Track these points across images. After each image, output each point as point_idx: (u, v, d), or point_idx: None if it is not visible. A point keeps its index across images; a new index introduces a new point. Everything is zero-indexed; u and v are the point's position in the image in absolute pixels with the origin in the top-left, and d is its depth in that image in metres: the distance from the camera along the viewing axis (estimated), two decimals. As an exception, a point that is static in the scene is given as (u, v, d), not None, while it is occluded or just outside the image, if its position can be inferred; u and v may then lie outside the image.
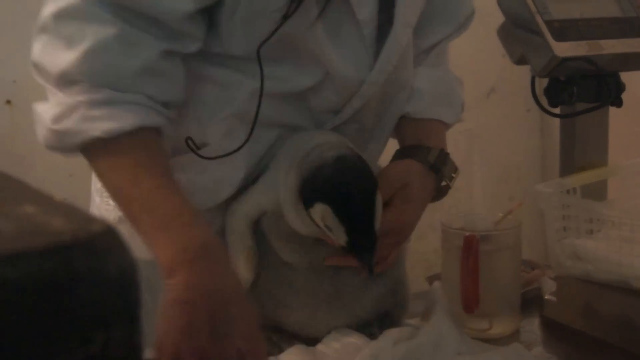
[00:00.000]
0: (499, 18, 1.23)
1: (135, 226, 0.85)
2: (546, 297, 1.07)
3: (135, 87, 0.86)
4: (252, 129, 0.90)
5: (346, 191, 0.84)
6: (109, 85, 0.85)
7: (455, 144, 2.05)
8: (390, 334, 0.92)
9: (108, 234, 0.39)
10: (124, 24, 0.85)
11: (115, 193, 0.88)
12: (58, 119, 0.86)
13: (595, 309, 1.01)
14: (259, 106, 0.90)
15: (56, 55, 0.86)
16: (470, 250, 0.96)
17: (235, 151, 0.91)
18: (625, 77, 1.21)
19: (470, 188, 1.86)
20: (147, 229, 0.84)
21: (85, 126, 0.85)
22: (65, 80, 0.86)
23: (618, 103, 1.19)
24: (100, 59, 0.85)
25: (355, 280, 0.95)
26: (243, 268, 0.94)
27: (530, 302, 1.09)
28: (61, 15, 0.85)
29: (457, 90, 1.15)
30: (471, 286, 0.97)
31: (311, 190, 0.85)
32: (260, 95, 0.90)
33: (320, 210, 0.84)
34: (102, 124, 0.85)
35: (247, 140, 0.91)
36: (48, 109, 0.87)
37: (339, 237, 0.84)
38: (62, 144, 0.87)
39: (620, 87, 1.19)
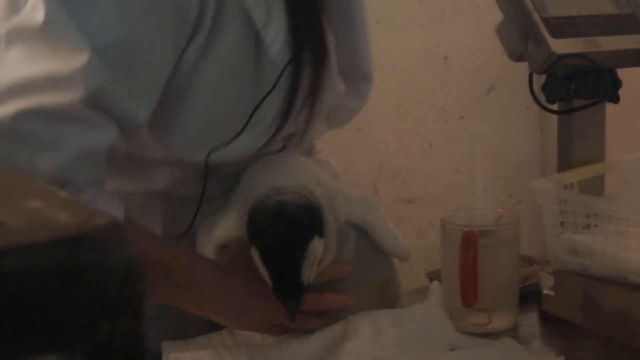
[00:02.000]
0: (497, 16, 1.24)
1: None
2: (544, 292, 1.08)
3: (104, 176, 0.89)
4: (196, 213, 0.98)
5: (272, 238, 0.88)
6: (93, 181, 0.87)
7: (457, 141, 2.07)
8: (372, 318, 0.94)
9: (113, 228, 0.40)
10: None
11: None
12: None
13: (593, 303, 1.02)
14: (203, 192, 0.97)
15: (39, 154, 0.83)
16: (469, 245, 0.98)
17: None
18: (622, 73, 1.22)
19: (472, 185, 1.87)
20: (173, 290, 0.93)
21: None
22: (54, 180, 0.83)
23: (615, 99, 1.20)
24: (91, 160, 0.85)
25: (343, 287, 0.97)
26: None
27: (528, 296, 1.10)
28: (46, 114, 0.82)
29: None
30: (470, 281, 0.98)
31: (249, 233, 0.90)
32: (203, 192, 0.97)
33: (253, 253, 0.89)
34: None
35: (191, 225, 0.99)
36: None
37: (266, 278, 0.89)
38: None
39: (617, 84, 1.20)
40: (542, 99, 1.20)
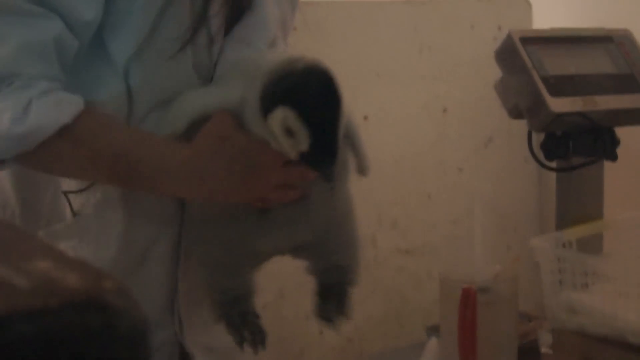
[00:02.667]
0: (496, 69, 1.26)
1: (136, 178, 0.90)
2: (543, 350, 1.08)
3: (60, 74, 0.89)
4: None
5: (311, 95, 0.83)
6: (43, 76, 0.87)
7: (455, 193, 2.08)
8: None
9: (120, 292, 0.41)
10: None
11: (100, 163, 0.90)
12: (16, 120, 0.85)
13: (592, 361, 1.02)
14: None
15: None
16: (467, 302, 0.98)
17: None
18: (621, 131, 1.23)
19: (471, 238, 1.88)
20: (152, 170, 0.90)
21: (49, 117, 0.85)
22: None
23: (613, 157, 1.21)
24: (36, 51, 0.86)
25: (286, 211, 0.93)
26: None
27: (527, 354, 1.10)
28: None
29: None
30: (469, 338, 0.98)
31: (273, 94, 0.84)
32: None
33: (281, 115, 0.82)
34: (63, 110, 0.86)
35: None
36: None
37: (301, 141, 0.83)
38: (22, 145, 0.86)
39: (615, 142, 1.22)
40: (541, 156, 1.22)
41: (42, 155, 0.88)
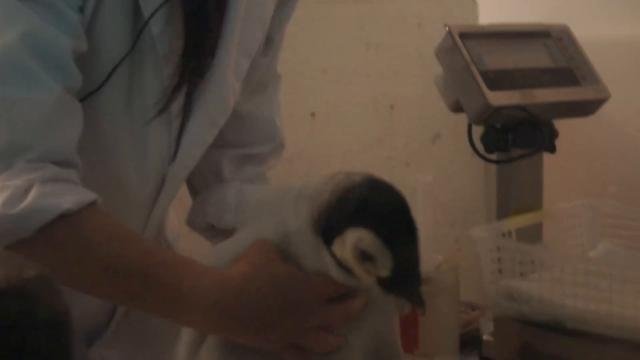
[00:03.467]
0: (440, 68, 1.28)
1: (145, 296, 0.80)
2: (484, 338, 1.10)
3: (73, 160, 0.85)
4: None
5: (389, 211, 0.71)
6: (53, 158, 0.83)
7: (403, 188, 2.10)
8: None
9: (40, 280, 0.41)
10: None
11: (105, 265, 0.81)
12: (10, 201, 0.78)
13: (532, 348, 1.04)
14: None
15: None
16: (409, 292, 0.99)
17: None
18: (559, 124, 1.26)
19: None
20: (164, 293, 0.80)
21: (50, 202, 0.79)
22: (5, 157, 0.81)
23: (552, 149, 1.24)
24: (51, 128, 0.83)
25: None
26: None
27: (469, 342, 1.12)
28: None
29: None
30: (411, 327, 1.00)
31: (336, 215, 0.71)
32: None
33: (354, 238, 0.70)
34: (69, 197, 0.80)
35: None
36: None
37: (383, 266, 0.71)
38: (19, 228, 0.79)
39: (554, 134, 1.25)
40: (482, 148, 1.24)
41: (43, 246, 0.79)
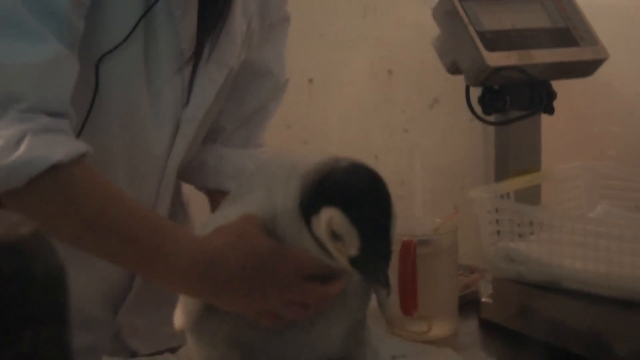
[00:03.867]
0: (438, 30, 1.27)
1: (128, 250, 0.81)
2: (483, 300, 1.10)
3: (66, 111, 0.85)
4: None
5: (360, 193, 0.74)
6: (45, 109, 0.83)
7: (401, 154, 2.10)
8: None
9: (35, 237, 0.41)
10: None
11: (90, 222, 0.82)
12: (2, 152, 0.79)
13: (530, 309, 1.04)
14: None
15: None
16: (407, 254, 0.99)
17: None
18: (557, 85, 1.25)
19: (412, 197, 1.90)
20: (147, 249, 0.81)
21: (41, 153, 0.80)
22: None
23: (550, 110, 1.23)
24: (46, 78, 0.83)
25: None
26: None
27: (468, 304, 1.12)
28: None
29: None
30: (409, 290, 1.00)
31: (316, 195, 0.75)
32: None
33: (326, 217, 0.74)
34: (59, 149, 0.81)
35: None
36: None
37: (350, 245, 0.74)
38: (11, 179, 0.80)
39: (552, 95, 1.24)
40: (480, 110, 1.23)
41: (30, 198, 0.80)
